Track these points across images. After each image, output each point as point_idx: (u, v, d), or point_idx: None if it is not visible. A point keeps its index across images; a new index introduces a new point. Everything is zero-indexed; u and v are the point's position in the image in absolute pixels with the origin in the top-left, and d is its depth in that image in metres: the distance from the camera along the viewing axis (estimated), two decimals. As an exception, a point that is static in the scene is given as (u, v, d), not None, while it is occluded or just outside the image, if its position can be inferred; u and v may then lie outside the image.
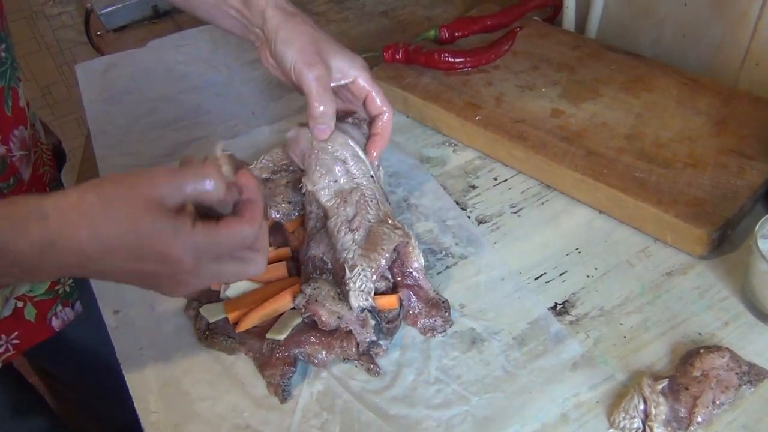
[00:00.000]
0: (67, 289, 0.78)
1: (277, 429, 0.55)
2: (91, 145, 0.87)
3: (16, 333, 0.73)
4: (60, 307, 0.77)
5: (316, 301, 0.56)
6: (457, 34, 0.89)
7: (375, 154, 0.67)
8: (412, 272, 0.60)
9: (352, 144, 0.64)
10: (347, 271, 0.57)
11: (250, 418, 0.56)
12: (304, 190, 0.65)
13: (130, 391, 0.58)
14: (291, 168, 0.70)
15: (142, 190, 0.43)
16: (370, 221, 0.61)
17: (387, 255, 0.58)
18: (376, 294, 0.57)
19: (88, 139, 0.89)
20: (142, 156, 0.84)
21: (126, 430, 1.00)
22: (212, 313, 0.61)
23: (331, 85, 0.64)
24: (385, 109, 0.67)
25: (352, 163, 0.64)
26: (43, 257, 0.42)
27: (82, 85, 0.98)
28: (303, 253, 0.62)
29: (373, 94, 0.66)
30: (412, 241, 0.60)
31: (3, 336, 0.72)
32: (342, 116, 0.70)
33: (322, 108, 0.62)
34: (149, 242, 0.43)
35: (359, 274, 0.56)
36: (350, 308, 0.56)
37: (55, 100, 1.93)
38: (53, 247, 0.42)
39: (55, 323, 0.77)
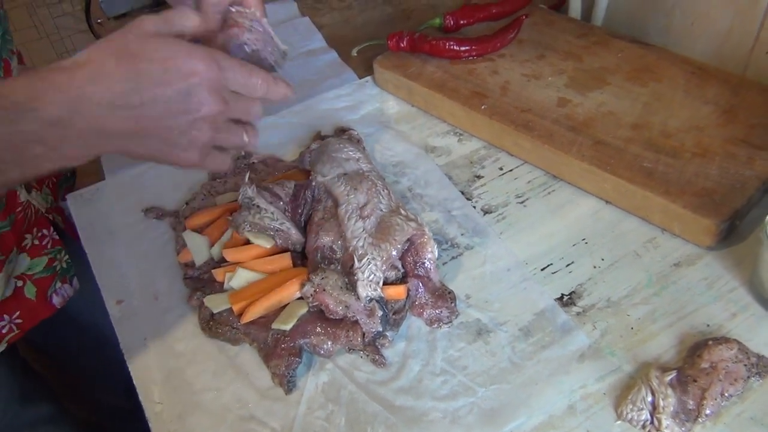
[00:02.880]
0: (64, 265, 0.78)
1: (282, 420, 0.54)
2: (93, 134, 0.87)
3: (18, 312, 0.73)
4: (59, 284, 0.77)
5: (324, 290, 0.56)
6: (462, 22, 0.88)
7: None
8: (425, 262, 0.59)
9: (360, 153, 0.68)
10: (356, 260, 0.56)
11: (255, 409, 0.55)
12: (313, 183, 0.65)
13: (134, 382, 0.58)
14: None
15: (142, 28, 0.47)
16: (382, 210, 0.60)
17: (399, 246, 0.57)
18: (384, 284, 0.57)
19: (90, 128, 0.88)
20: (145, 145, 0.83)
21: (122, 411, 1.00)
22: (216, 304, 0.60)
23: None
24: None
25: (363, 162, 0.66)
26: (74, 111, 0.44)
27: (83, 73, 0.97)
28: (311, 243, 0.61)
29: None
30: (427, 232, 0.59)
31: (6, 316, 0.72)
32: (339, 132, 0.70)
33: None
34: (174, 59, 0.46)
35: (368, 263, 0.56)
36: (358, 298, 0.55)
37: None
38: (82, 97, 0.44)
39: (56, 300, 0.77)
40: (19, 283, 0.73)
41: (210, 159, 0.51)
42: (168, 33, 0.48)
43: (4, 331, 0.72)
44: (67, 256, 0.79)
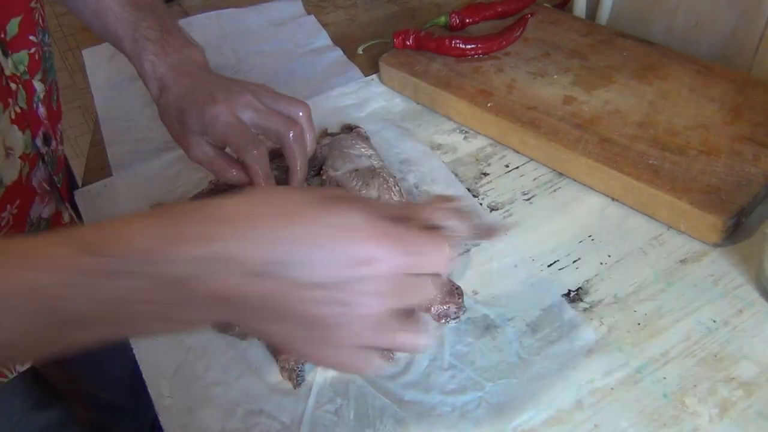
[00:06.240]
0: None
1: (291, 414, 0.55)
2: (100, 131, 0.87)
3: None
4: None
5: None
6: (468, 20, 0.89)
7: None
8: None
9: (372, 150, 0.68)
10: (366, 255, 0.56)
11: (264, 403, 0.56)
12: (324, 177, 0.65)
13: (144, 376, 0.58)
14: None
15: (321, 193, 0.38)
16: None
17: None
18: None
19: (97, 124, 0.89)
20: (152, 142, 0.83)
21: (122, 409, 1.00)
22: (225, 299, 0.61)
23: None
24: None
25: (374, 159, 0.65)
26: (203, 272, 0.34)
27: (89, 70, 0.97)
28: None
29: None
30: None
31: None
32: (346, 129, 0.71)
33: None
34: (348, 239, 0.35)
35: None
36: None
37: (58, 87, 1.92)
38: (220, 257, 0.34)
39: None
40: None
41: (358, 360, 0.39)
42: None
43: None
44: None
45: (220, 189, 0.70)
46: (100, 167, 0.82)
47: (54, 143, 0.69)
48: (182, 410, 0.56)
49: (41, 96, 0.66)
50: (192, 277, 0.34)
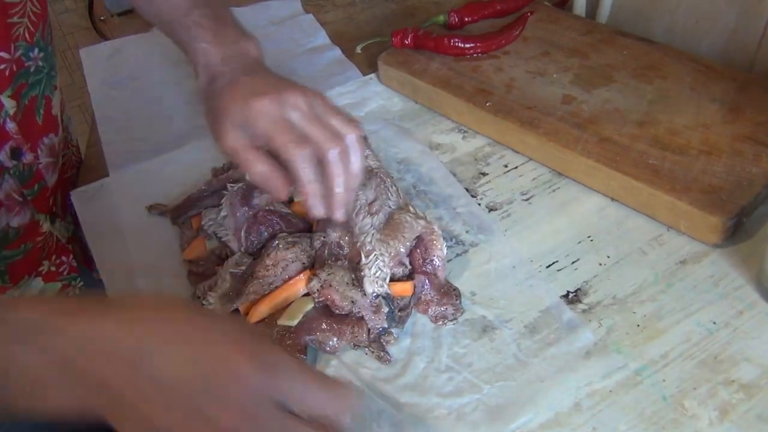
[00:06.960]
0: (77, 291, 0.78)
1: (287, 417, 0.54)
2: (97, 131, 0.87)
3: None
4: None
5: (331, 285, 0.55)
6: (466, 19, 0.88)
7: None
8: (434, 260, 0.59)
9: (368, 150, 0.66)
10: (363, 256, 0.56)
11: (260, 406, 0.55)
12: None
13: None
14: None
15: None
16: (390, 207, 0.60)
17: (408, 243, 0.57)
18: (391, 280, 0.57)
19: (94, 124, 0.88)
20: (149, 142, 0.83)
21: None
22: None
23: None
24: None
25: (371, 160, 0.65)
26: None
27: (87, 70, 0.97)
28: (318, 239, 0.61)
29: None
30: (437, 230, 0.59)
31: None
32: None
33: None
34: (213, 345, 0.37)
35: (375, 259, 0.56)
36: (364, 294, 0.55)
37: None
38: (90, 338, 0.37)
39: None
40: None
41: None
42: None
43: None
44: (81, 283, 0.78)
45: (213, 189, 0.69)
46: (96, 167, 0.82)
47: (29, 157, 0.68)
48: (177, 413, 0.55)
49: (10, 112, 0.65)
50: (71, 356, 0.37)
